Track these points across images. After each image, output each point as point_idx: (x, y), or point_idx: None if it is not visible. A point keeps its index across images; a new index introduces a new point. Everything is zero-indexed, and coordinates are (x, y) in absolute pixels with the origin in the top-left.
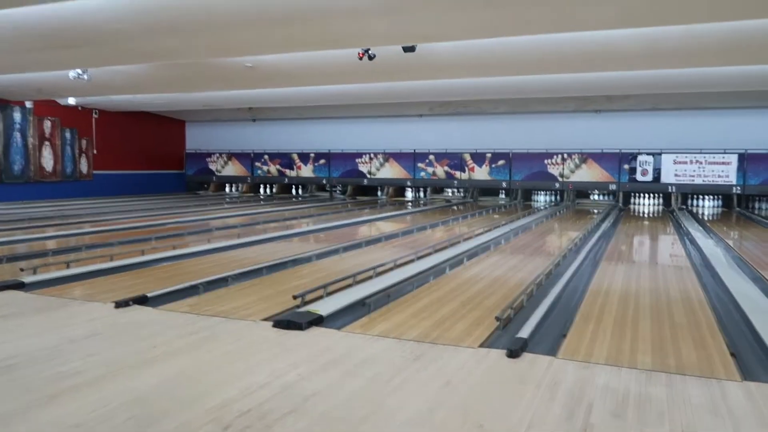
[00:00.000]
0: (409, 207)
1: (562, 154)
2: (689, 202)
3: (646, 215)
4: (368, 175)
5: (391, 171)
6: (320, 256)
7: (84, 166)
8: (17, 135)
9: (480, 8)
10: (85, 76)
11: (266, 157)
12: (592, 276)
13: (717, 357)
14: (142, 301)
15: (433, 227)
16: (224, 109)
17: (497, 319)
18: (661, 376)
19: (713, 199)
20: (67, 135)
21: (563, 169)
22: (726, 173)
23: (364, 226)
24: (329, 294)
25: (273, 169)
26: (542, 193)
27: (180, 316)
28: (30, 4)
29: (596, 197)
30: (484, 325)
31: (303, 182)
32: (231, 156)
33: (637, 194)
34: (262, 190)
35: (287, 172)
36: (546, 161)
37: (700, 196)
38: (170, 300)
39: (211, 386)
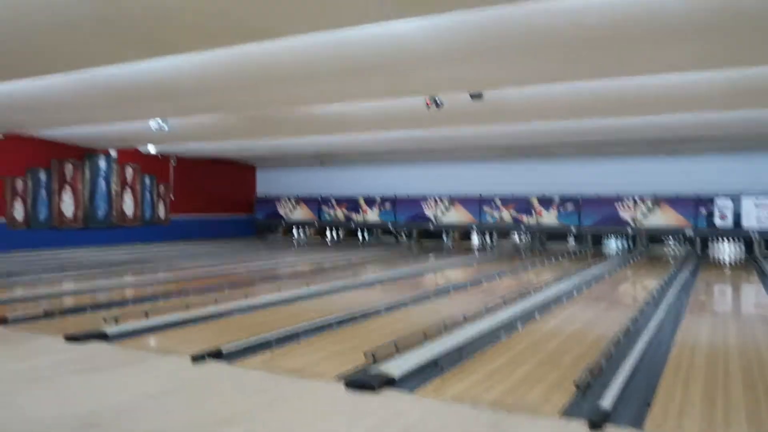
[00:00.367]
0: (476, 252)
1: (634, 197)
2: None
3: (726, 262)
4: (434, 220)
5: (457, 215)
6: (389, 308)
7: (161, 210)
8: (102, 182)
9: (549, 55)
10: (165, 126)
11: (333, 201)
12: (674, 333)
13: None
14: (217, 355)
15: (501, 275)
16: (293, 155)
17: (577, 386)
18: None
19: None
20: (147, 181)
21: (635, 213)
22: None
23: (431, 273)
24: (400, 351)
25: (340, 213)
26: (613, 238)
27: (253, 372)
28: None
29: (672, 243)
30: (563, 389)
31: (369, 226)
32: (299, 200)
33: (715, 240)
34: (329, 234)
35: (354, 216)
36: (617, 205)
37: None
38: (244, 354)
39: None
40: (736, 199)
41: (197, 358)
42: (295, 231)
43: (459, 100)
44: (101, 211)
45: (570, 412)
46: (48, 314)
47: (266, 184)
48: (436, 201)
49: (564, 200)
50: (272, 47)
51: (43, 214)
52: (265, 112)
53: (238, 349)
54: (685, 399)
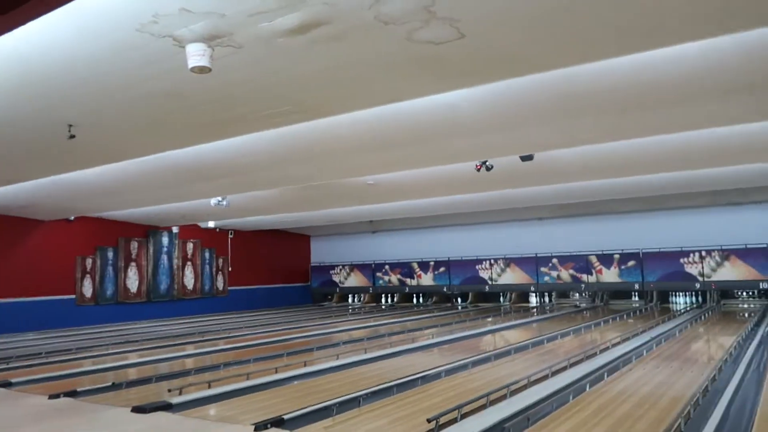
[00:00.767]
0: (535, 314)
1: (700, 251)
2: None
3: None
4: (489, 282)
5: (513, 276)
6: (449, 371)
7: (220, 282)
8: (164, 257)
9: (599, 116)
10: (224, 203)
11: (387, 267)
12: (758, 394)
13: None
14: (278, 423)
15: (564, 336)
16: (347, 223)
17: None
18: None
19: None
20: (206, 255)
21: (703, 267)
22: None
23: (489, 336)
24: (463, 416)
25: (394, 278)
26: (681, 294)
27: None
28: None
29: (745, 297)
30: None
31: (423, 291)
32: (353, 267)
33: None
34: (383, 300)
35: (408, 281)
36: (682, 260)
37: None
38: (305, 422)
39: None
40: None
41: (260, 427)
42: (350, 297)
43: (509, 162)
44: (164, 286)
45: None
46: (115, 386)
47: (320, 252)
48: (491, 263)
49: (625, 257)
50: (325, 122)
51: (109, 290)
52: (319, 184)
53: (299, 414)
54: None
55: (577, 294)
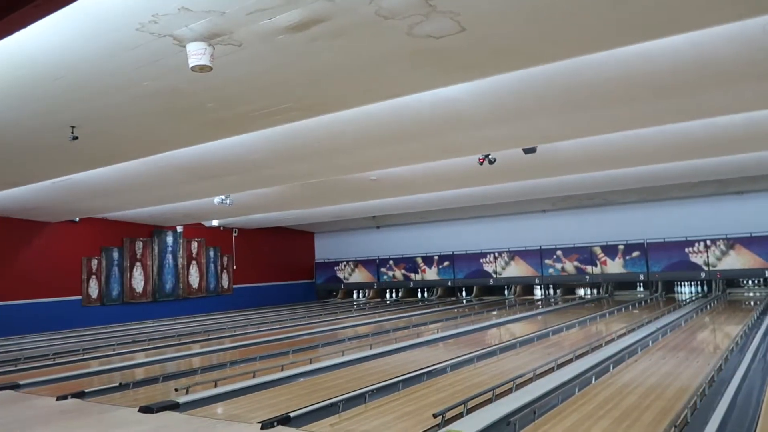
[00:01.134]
0: (540, 306)
1: (705, 240)
2: None
3: None
4: (494, 275)
5: (518, 269)
6: (455, 366)
7: (225, 281)
8: (169, 257)
9: (600, 107)
10: (228, 201)
11: (391, 262)
12: (764, 383)
13: None
14: (285, 421)
15: (569, 328)
16: (350, 219)
17: None
18: None
19: None
20: (211, 253)
21: (708, 257)
22: None
23: (495, 329)
24: (469, 411)
25: (398, 273)
26: (686, 284)
27: None
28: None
29: (751, 285)
30: None
31: (428, 285)
32: (357, 263)
33: None
34: (388, 295)
35: (412, 276)
36: (687, 250)
37: None
38: (312, 419)
39: None
40: None
41: (266, 425)
42: (354, 293)
43: (512, 155)
44: (169, 285)
45: None
46: (123, 386)
47: (325, 249)
48: (495, 256)
49: (629, 248)
50: (327, 118)
51: (115, 290)
52: (322, 181)
53: (306, 412)
54: None
55: (582, 286)
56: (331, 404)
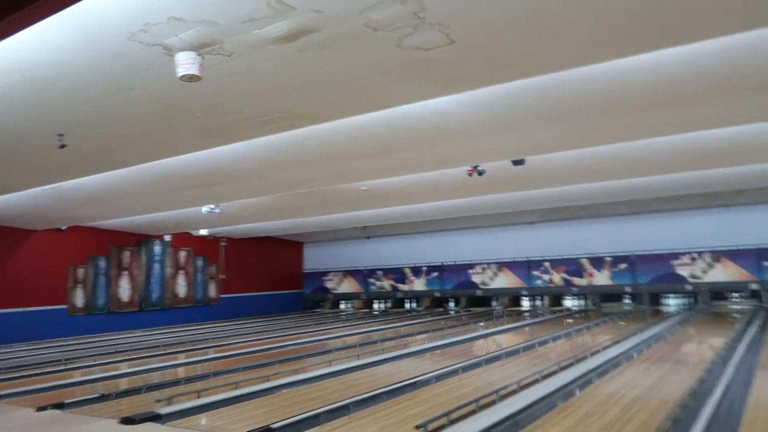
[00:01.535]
0: (527, 317)
1: (691, 253)
2: None
3: None
4: (482, 286)
5: (506, 280)
6: (439, 377)
7: (212, 290)
8: (157, 266)
9: (589, 120)
10: (217, 210)
11: (379, 272)
12: (746, 395)
13: None
14: None
15: (555, 340)
16: (340, 229)
17: None
18: None
19: None
20: (199, 263)
21: (694, 269)
22: None
23: (482, 340)
24: (452, 422)
25: (386, 284)
26: (672, 296)
27: None
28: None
29: (736, 298)
30: None
31: (416, 296)
32: (346, 273)
33: None
34: (375, 306)
35: (400, 286)
36: (673, 262)
37: None
38: (294, 430)
39: None
40: None
41: None
42: (342, 304)
43: (501, 166)
44: (156, 294)
45: None
46: (104, 397)
47: (313, 259)
48: (483, 267)
49: (616, 260)
50: (317, 128)
51: (101, 299)
52: (313, 191)
53: (288, 423)
54: None
55: (569, 297)
56: (314, 415)
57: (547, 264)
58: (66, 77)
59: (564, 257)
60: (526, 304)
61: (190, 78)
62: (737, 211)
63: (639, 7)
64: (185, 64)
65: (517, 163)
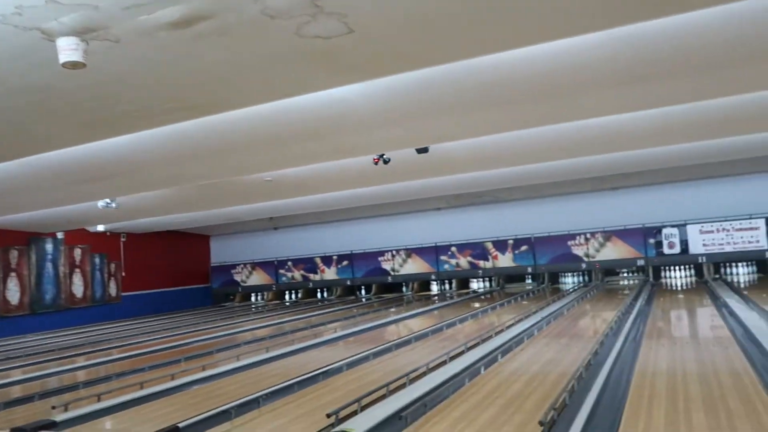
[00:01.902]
0: (436, 301)
1: (585, 234)
2: (723, 270)
3: (679, 288)
4: (392, 272)
5: (415, 266)
6: (351, 364)
7: (113, 289)
8: (49, 265)
9: (486, 109)
10: (114, 204)
11: (290, 263)
12: (634, 363)
13: None
14: None
15: (462, 321)
16: (247, 221)
17: (541, 423)
18: None
19: (747, 266)
20: (97, 260)
21: (588, 249)
22: (756, 238)
23: (392, 326)
24: (363, 408)
25: (297, 274)
26: (569, 275)
27: None
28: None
29: (625, 274)
30: (528, 430)
31: (327, 285)
32: (255, 266)
33: (667, 268)
34: (287, 297)
35: (311, 276)
36: (569, 243)
37: (733, 264)
38: (203, 428)
39: None
40: (682, 228)
41: None
42: (252, 296)
43: (406, 154)
44: (49, 295)
45: None
46: None
47: (221, 252)
48: (393, 254)
49: (518, 242)
50: (216, 118)
51: None
52: (215, 182)
53: (196, 421)
54: (648, 426)
55: (476, 280)
56: (223, 411)
57: (453, 249)
58: None
59: (469, 241)
60: (434, 288)
61: (73, 65)
62: (625, 193)
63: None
64: (67, 50)
65: (421, 151)
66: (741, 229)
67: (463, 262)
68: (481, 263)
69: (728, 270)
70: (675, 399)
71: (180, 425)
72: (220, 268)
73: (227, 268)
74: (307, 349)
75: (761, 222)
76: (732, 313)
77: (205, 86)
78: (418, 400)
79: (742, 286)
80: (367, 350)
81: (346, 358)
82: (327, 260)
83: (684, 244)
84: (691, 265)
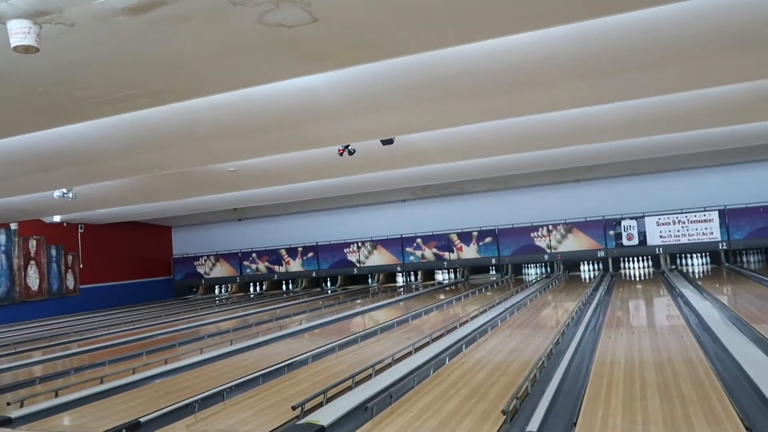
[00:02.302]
0: (401, 293)
1: (547, 225)
2: (678, 261)
3: (637, 279)
4: (357, 264)
5: (380, 258)
6: (316, 356)
7: (71, 281)
8: (2, 257)
9: (451, 101)
10: (70, 195)
11: (254, 255)
12: (593, 352)
13: None
14: (135, 427)
15: (427, 312)
16: (210, 212)
17: (503, 412)
18: None
19: (702, 257)
20: (53, 252)
21: (550, 240)
22: (710, 230)
23: (358, 317)
24: (329, 400)
25: (262, 266)
26: (532, 266)
27: None
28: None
29: (586, 265)
30: (491, 419)
31: (293, 277)
32: (219, 257)
33: (626, 259)
34: (252, 289)
35: (276, 268)
36: (532, 234)
37: (689, 255)
38: (166, 422)
39: None
40: (640, 220)
41: None
42: (216, 288)
43: (371, 145)
44: (2, 288)
45: None
46: None
47: (183, 243)
48: (358, 246)
49: (482, 234)
50: (178, 106)
51: None
52: (177, 172)
53: (159, 416)
54: (607, 416)
55: (441, 271)
56: (187, 405)
57: (419, 240)
58: None
59: (435, 233)
60: (400, 279)
61: (25, 49)
62: (586, 185)
63: None
64: (19, 33)
65: (386, 142)
66: (696, 222)
67: (429, 253)
68: (446, 255)
69: (684, 261)
70: (632, 386)
71: (141, 420)
72: (182, 259)
73: (190, 259)
74: (272, 342)
75: (715, 214)
76: (687, 303)
77: (165, 73)
78: (384, 391)
79: (696, 276)
80: (333, 342)
81: (312, 350)
82: (292, 252)
83: (642, 235)
84: (649, 257)
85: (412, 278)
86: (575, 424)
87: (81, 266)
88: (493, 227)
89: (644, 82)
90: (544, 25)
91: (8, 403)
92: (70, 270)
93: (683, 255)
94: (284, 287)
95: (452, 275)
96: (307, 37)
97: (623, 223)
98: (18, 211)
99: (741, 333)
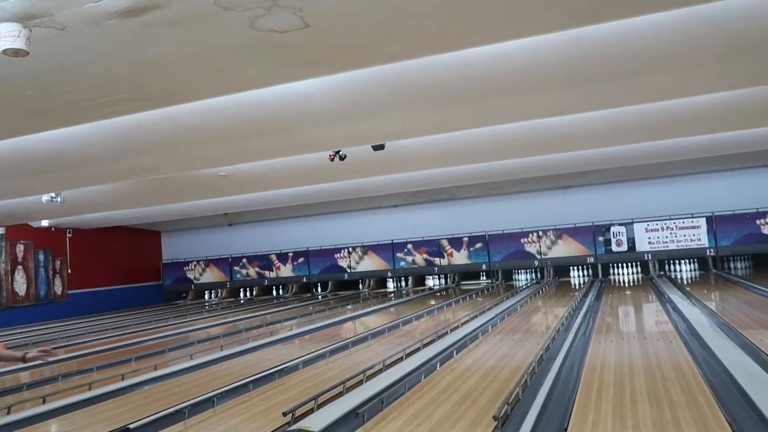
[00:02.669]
0: (392, 298)
1: (537, 231)
2: (667, 267)
3: (626, 285)
4: (348, 270)
5: (371, 263)
6: (307, 362)
7: (58, 287)
8: None
9: (441, 107)
10: (58, 199)
11: (244, 260)
12: (584, 357)
13: None
14: None
15: (418, 318)
16: (200, 217)
17: (495, 418)
18: None
19: (689, 263)
20: (41, 257)
21: (540, 246)
22: (698, 236)
23: (349, 323)
24: (320, 406)
25: (252, 271)
26: (522, 272)
27: None
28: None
29: (576, 271)
30: (482, 425)
31: (283, 282)
32: (208, 262)
33: (615, 265)
34: (242, 294)
35: (267, 273)
36: (522, 240)
37: (677, 261)
38: (155, 429)
39: None
40: (629, 226)
41: None
42: (206, 294)
43: (362, 151)
44: None
45: None
46: None
47: (173, 248)
48: (349, 251)
49: (473, 240)
50: (169, 111)
51: None
52: (167, 177)
53: (148, 422)
54: (597, 421)
55: (431, 277)
56: (177, 411)
57: (410, 246)
58: None
59: (425, 239)
60: (391, 285)
61: (15, 53)
62: (576, 191)
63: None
64: (8, 36)
65: (377, 148)
66: (684, 228)
67: (419, 259)
68: (437, 260)
69: (672, 267)
70: (622, 391)
71: (131, 426)
72: (172, 265)
73: (180, 265)
74: (262, 348)
75: (702, 221)
76: (675, 309)
77: (155, 77)
78: (375, 397)
79: (684, 282)
80: (324, 348)
81: (302, 356)
82: (282, 257)
83: (631, 242)
84: (638, 263)
85: (403, 284)
86: (566, 429)
87: (69, 271)
88: (484, 233)
89: (629, 91)
90: (539, 32)
91: None
92: (58, 275)
93: (671, 261)
94: (275, 293)
95: (443, 281)
96: (299, 42)
97: (612, 229)
98: (5, 215)
99: (729, 339)
